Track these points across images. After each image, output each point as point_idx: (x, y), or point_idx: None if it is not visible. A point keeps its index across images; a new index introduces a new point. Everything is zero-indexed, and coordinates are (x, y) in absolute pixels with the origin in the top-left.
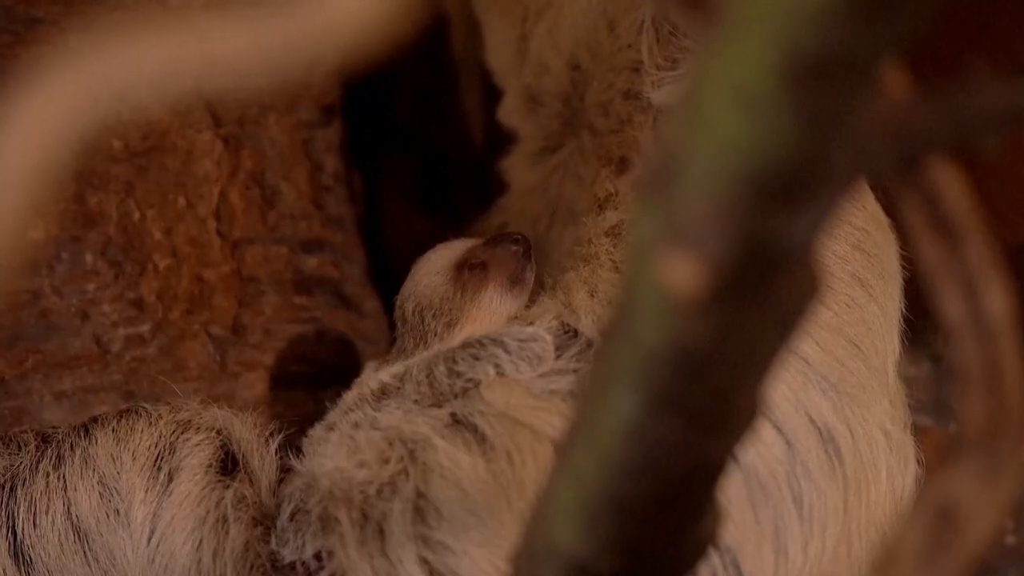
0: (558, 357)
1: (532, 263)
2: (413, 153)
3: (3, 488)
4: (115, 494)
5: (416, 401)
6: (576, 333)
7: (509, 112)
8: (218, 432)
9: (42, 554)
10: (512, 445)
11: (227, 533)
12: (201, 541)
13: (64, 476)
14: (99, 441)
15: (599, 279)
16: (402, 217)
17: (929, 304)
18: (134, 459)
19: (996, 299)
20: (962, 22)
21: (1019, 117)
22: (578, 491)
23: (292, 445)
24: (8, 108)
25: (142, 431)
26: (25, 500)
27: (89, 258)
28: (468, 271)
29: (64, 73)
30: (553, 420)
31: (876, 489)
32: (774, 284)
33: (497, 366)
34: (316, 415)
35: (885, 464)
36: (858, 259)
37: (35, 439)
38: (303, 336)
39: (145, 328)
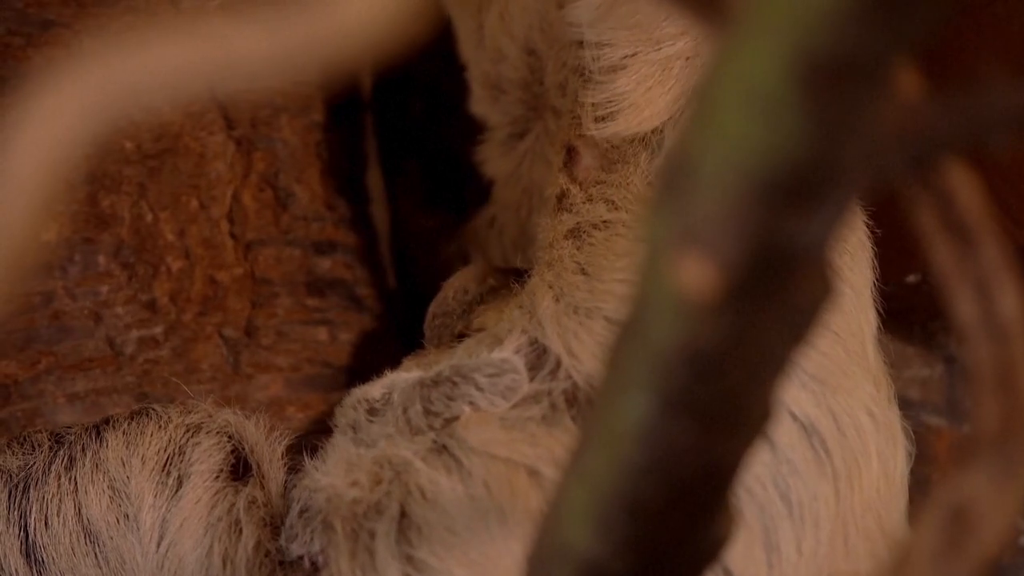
0: (532, 379)
1: None
2: (425, 153)
3: (16, 487)
4: (124, 498)
5: (398, 433)
6: (545, 349)
7: (476, 102)
8: (229, 437)
9: (54, 555)
10: (488, 476)
11: (239, 537)
12: (212, 546)
13: (75, 479)
14: (109, 444)
15: (564, 283)
16: (415, 216)
17: (942, 305)
18: (143, 463)
19: (1009, 300)
20: (974, 23)
21: None
22: (591, 492)
23: (304, 447)
24: (20, 111)
25: (152, 434)
26: (37, 501)
27: (102, 260)
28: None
29: (76, 76)
30: (526, 450)
31: (868, 474)
32: (786, 286)
33: (471, 403)
34: (328, 417)
35: (875, 447)
36: None
37: (48, 439)
38: (316, 338)
39: (158, 330)
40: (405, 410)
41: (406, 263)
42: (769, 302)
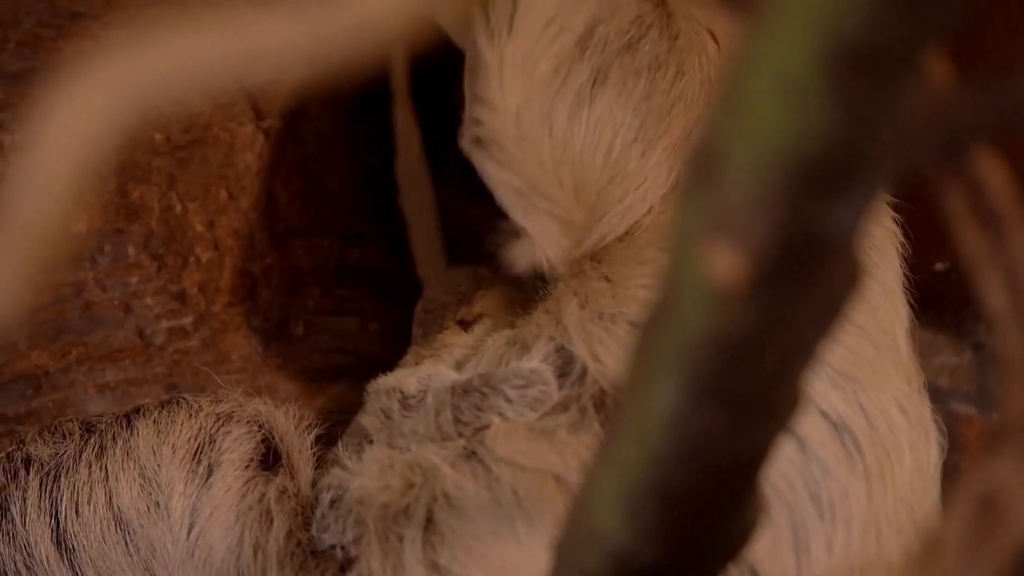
0: (560, 387)
1: None
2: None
3: (47, 476)
4: (155, 486)
5: (429, 437)
6: (572, 356)
7: None
8: (259, 426)
9: (84, 543)
10: (516, 483)
11: (270, 526)
12: (242, 535)
13: (106, 467)
14: (140, 432)
15: (588, 289)
16: (454, 205)
17: (972, 293)
18: (174, 452)
19: None
20: (1005, 10)
21: None
22: (620, 480)
23: (332, 437)
24: (50, 102)
25: (182, 423)
26: (68, 489)
27: (131, 251)
28: None
29: (106, 67)
30: (554, 459)
31: (900, 470)
32: (816, 273)
33: (500, 414)
34: (358, 407)
35: (907, 442)
36: None
37: (79, 428)
38: (346, 328)
39: (188, 320)
40: (437, 414)
41: (451, 252)
42: (799, 289)
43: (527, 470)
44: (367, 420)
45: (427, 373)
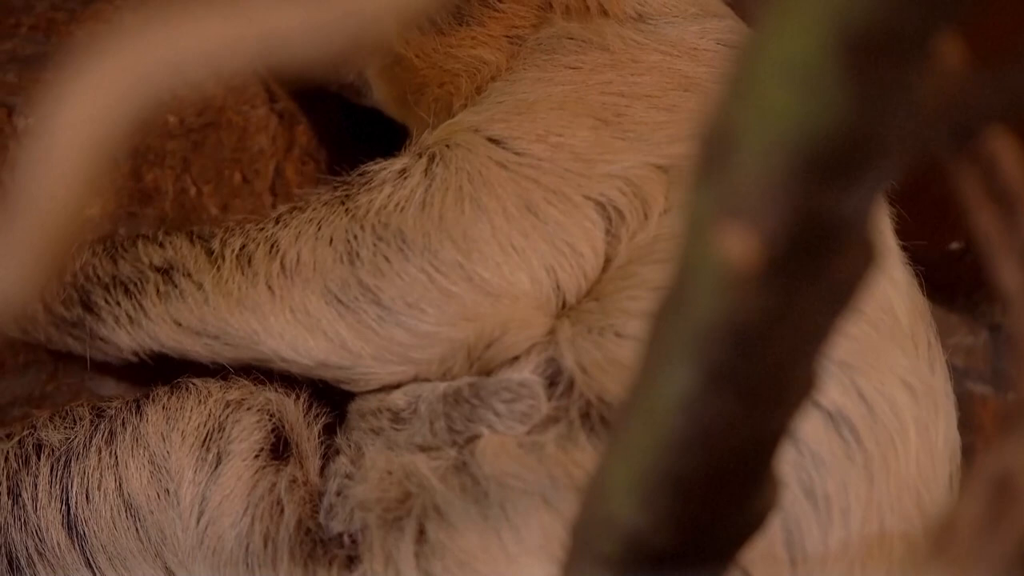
0: (550, 398)
1: None
2: None
3: (58, 461)
4: (165, 473)
5: (422, 446)
6: (560, 368)
7: None
8: (270, 416)
9: (95, 528)
10: (504, 500)
11: (281, 516)
12: (253, 525)
13: (116, 453)
14: (149, 419)
15: (579, 310)
16: None
17: (986, 274)
18: (183, 438)
19: None
20: None
21: None
22: (634, 466)
23: (338, 426)
24: (64, 86)
25: (191, 409)
26: (79, 475)
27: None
28: None
29: (119, 51)
30: (542, 479)
31: (905, 451)
32: (828, 258)
33: (490, 427)
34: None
35: (912, 421)
36: None
37: (90, 413)
38: None
39: None
40: (432, 424)
41: None
42: (811, 273)
43: (513, 489)
44: (356, 437)
45: (412, 387)
